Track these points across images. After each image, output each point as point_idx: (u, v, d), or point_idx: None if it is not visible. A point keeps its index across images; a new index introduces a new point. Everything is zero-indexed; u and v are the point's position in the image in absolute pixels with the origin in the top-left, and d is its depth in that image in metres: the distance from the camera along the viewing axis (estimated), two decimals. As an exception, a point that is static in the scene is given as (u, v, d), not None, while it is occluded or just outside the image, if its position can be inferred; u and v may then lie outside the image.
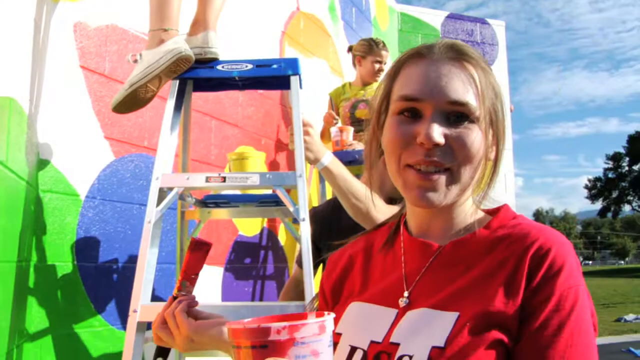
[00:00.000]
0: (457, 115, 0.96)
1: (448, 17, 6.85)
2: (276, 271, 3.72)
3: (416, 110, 0.97)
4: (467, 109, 0.96)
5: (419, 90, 0.97)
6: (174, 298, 1.17)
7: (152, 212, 1.80)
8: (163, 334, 1.17)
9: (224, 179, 1.82)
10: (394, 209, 2.08)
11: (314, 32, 4.61)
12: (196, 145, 3.09)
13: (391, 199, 2.37)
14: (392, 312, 0.98)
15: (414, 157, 0.96)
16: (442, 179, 0.96)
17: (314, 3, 4.65)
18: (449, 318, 0.90)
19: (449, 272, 0.97)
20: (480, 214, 1.04)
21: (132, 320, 1.66)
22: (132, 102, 2.02)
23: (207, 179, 1.83)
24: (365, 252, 1.13)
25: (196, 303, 1.17)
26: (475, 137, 0.96)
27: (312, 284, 1.73)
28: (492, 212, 1.05)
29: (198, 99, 3.10)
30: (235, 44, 3.43)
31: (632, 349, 9.31)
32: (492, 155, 1.00)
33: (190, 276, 1.17)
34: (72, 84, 2.38)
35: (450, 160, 0.96)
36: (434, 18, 6.80)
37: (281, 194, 1.81)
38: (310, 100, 4.34)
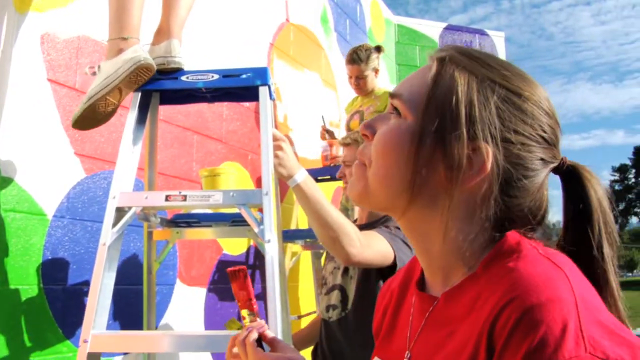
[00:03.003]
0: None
1: (446, 28, 6.76)
2: (264, 291, 3.58)
3: None
4: (397, 102, 0.85)
5: None
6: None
7: (108, 233, 1.68)
8: None
9: (184, 198, 1.70)
10: (378, 247, 1.95)
11: (304, 44, 4.51)
12: (177, 162, 2.98)
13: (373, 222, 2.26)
14: None
15: None
16: (357, 168, 0.89)
17: (305, 14, 4.55)
18: None
19: (438, 334, 0.80)
20: (482, 249, 0.81)
21: (82, 351, 1.54)
22: (92, 116, 1.91)
23: (167, 198, 1.71)
24: (401, 288, 0.99)
25: (265, 328, 1.09)
26: (392, 128, 0.84)
27: (277, 311, 1.61)
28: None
29: (178, 113, 3.00)
30: (218, 57, 3.32)
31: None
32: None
33: (246, 303, 1.12)
34: (39, 98, 2.27)
35: (368, 153, 0.87)
36: (432, 29, 6.70)
37: (245, 214, 1.69)
38: (301, 115, 4.23)
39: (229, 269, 1.12)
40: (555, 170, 0.83)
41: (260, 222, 1.70)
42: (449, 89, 0.79)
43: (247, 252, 3.49)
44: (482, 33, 6.99)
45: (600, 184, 0.82)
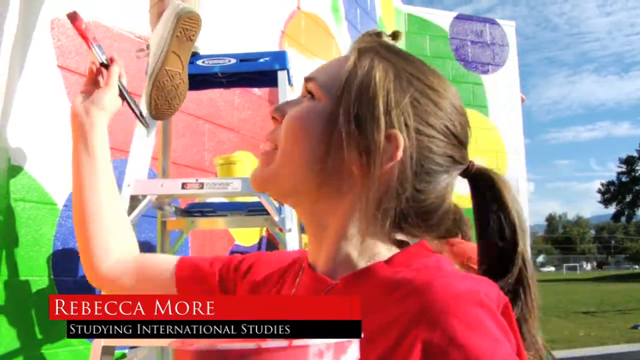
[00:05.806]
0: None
1: (457, 17, 6.68)
2: (276, 282, 3.54)
3: None
4: (311, 85, 0.81)
5: None
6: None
7: (122, 222, 1.62)
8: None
9: (201, 185, 1.64)
10: None
11: (315, 33, 4.45)
12: (188, 151, 2.92)
13: None
14: None
15: None
16: (265, 152, 0.84)
17: (316, 3, 4.49)
18: None
19: None
20: (386, 251, 0.79)
21: (97, 344, 1.49)
22: (163, 97, 1.70)
23: (184, 186, 1.66)
24: (282, 272, 0.92)
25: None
26: (304, 109, 0.81)
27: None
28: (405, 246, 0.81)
29: (190, 102, 2.94)
30: (230, 45, 3.26)
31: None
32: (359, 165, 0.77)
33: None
34: (49, 85, 2.22)
35: (276, 136, 0.83)
36: (442, 19, 6.63)
37: (265, 202, 1.63)
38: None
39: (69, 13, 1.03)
40: (463, 174, 0.83)
41: (280, 211, 1.64)
42: (367, 76, 0.79)
43: (259, 243, 3.45)
44: (492, 22, 6.92)
45: (512, 189, 0.82)
